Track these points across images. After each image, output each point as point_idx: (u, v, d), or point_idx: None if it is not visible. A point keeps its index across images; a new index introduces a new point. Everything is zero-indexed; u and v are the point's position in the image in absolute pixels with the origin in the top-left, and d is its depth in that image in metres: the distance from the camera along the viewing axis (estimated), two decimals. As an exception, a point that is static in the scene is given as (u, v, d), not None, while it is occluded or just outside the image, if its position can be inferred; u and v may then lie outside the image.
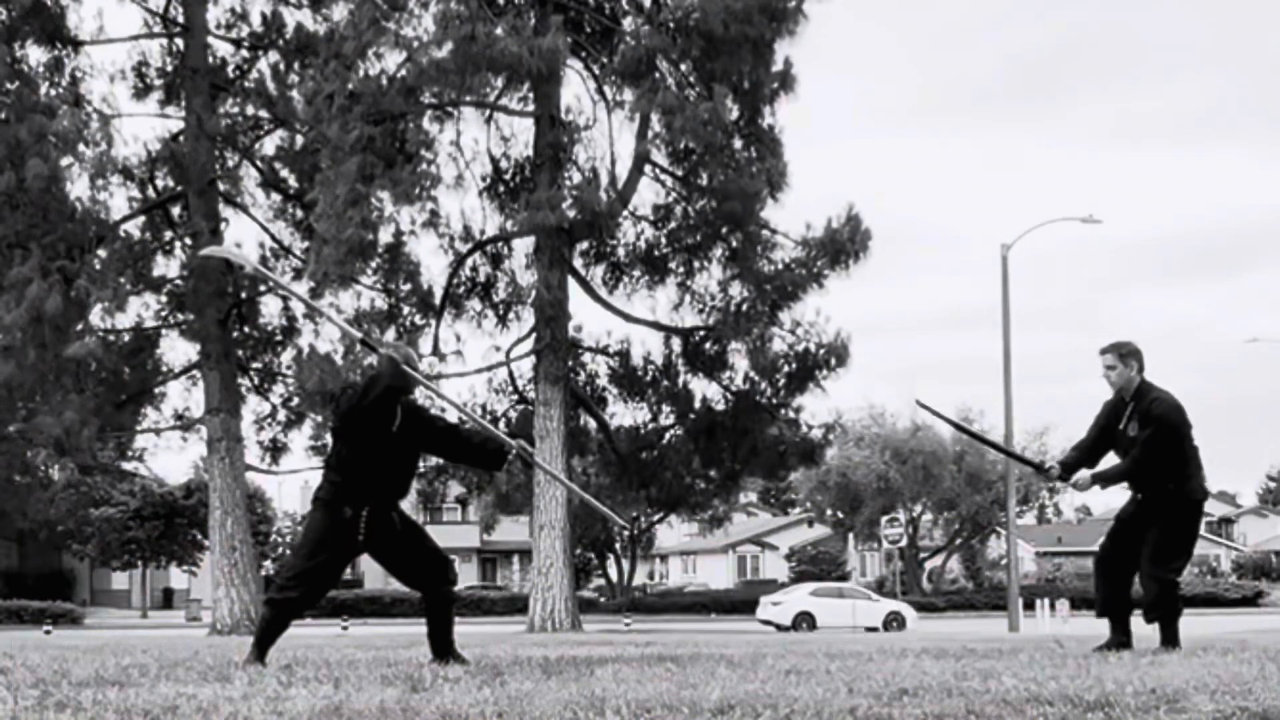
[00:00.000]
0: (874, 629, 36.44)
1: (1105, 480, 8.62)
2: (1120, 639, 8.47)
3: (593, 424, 30.40)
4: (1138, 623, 8.65)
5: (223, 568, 28.29)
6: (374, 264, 26.26)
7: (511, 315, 29.03)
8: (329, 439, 7.70)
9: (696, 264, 28.55)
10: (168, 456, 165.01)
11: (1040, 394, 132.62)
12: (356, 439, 7.19)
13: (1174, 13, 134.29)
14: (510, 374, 29.87)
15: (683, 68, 26.08)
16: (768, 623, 38.48)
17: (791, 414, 29.30)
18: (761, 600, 42.06)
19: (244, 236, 58.16)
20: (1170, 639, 8.44)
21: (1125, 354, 8.48)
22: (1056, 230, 55.62)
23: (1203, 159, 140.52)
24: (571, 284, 27.83)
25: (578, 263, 28.43)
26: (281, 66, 28.43)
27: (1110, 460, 8.69)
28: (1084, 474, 8.70)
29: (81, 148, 26.03)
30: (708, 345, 28.87)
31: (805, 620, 38.33)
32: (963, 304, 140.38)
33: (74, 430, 25.70)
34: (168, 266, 29.29)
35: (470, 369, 28.41)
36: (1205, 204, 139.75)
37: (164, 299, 29.20)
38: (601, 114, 27.78)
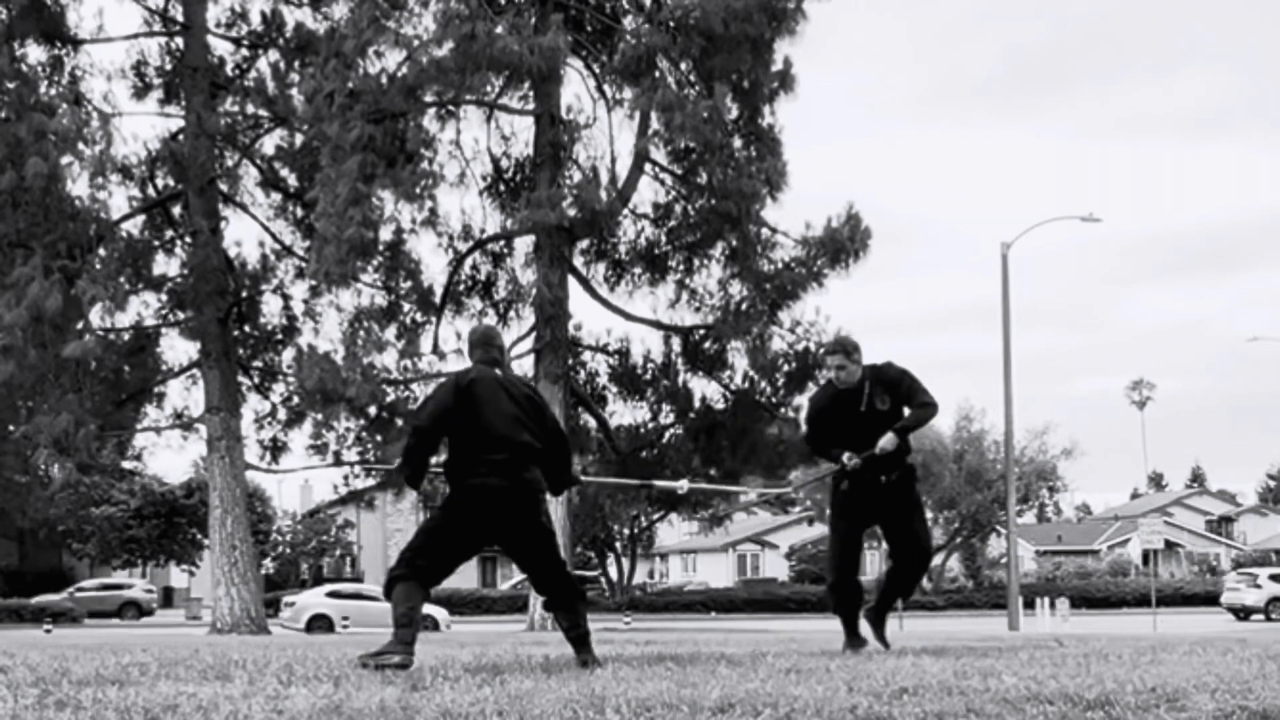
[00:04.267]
0: None
1: (906, 430, 8.51)
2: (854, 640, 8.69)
3: (593, 423, 30.39)
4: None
5: (223, 567, 28.28)
6: (375, 262, 26.25)
7: (512, 314, 29.04)
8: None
9: (696, 263, 28.55)
10: (168, 455, 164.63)
11: (1041, 392, 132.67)
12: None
13: (1176, 10, 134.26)
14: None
15: (682, 66, 26.07)
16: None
17: (791, 413, 29.28)
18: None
19: (244, 235, 58.29)
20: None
21: (852, 350, 8.58)
22: (1057, 229, 55.70)
23: (1204, 157, 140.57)
24: (571, 282, 27.83)
25: (578, 261, 28.43)
26: (281, 65, 28.41)
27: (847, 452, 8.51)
28: (878, 448, 8.37)
29: (81, 146, 26.01)
30: (707, 344, 28.86)
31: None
32: (963, 302, 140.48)
33: (72, 430, 25.69)
34: (168, 265, 29.29)
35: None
36: (1206, 202, 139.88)
37: (164, 298, 29.18)
38: (601, 112, 27.81)
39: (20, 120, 25.61)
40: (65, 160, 25.87)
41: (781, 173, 26.48)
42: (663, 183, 28.33)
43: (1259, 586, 41.26)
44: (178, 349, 29.93)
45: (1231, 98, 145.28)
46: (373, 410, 26.40)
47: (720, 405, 29.36)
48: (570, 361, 28.58)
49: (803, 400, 29.02)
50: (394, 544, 69.49)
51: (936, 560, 61.10)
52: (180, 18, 28.87)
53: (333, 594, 37.69)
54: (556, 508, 26.77)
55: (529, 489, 6.98)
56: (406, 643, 6.70)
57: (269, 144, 29.32)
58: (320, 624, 34.74)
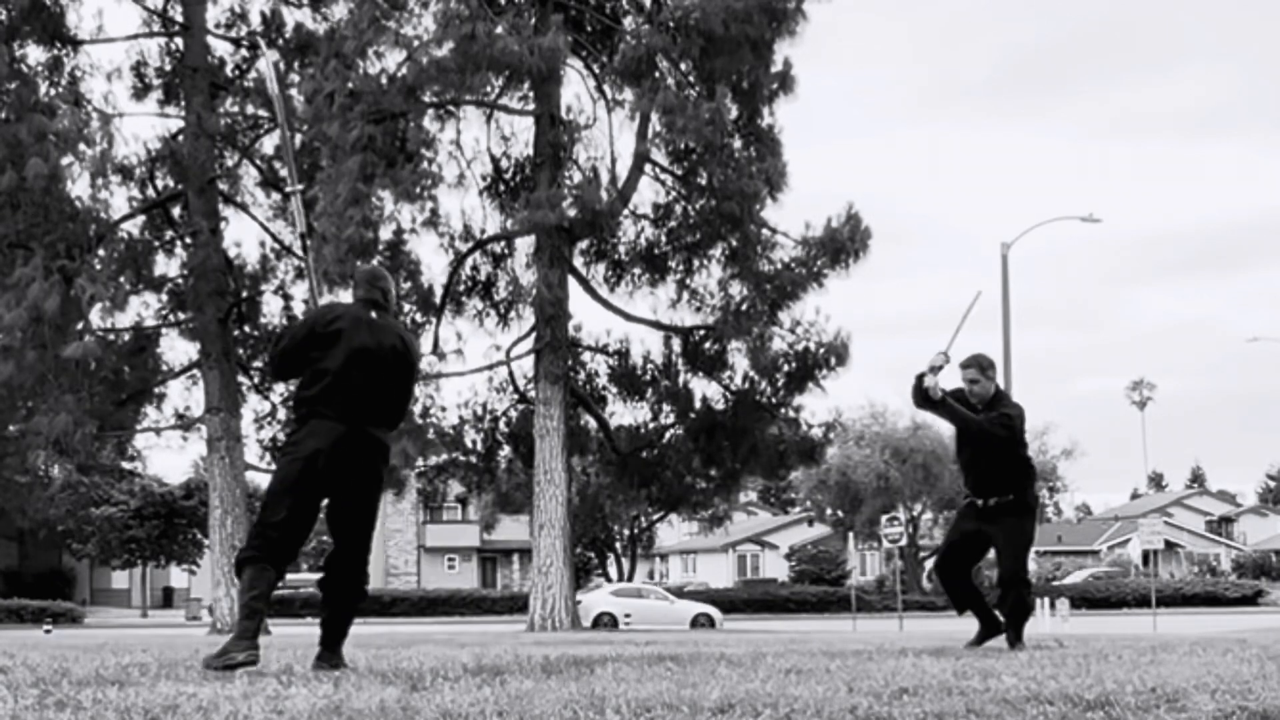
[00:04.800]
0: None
1: (953, 401, 8.76)
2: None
3: (593, 423, 30.40)
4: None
5: (223, 567, 28.30)
6: (375, 262, 26.26)
7: (512, 314, 29.05)
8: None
9: (696, 263, 28.55)
10: (168, 456, 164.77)
11: (1041, 392, 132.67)
12: None
13: (1176, 10, 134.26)
14: (510, 373, 29.91)
15: (683, 67, 26.07)
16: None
17: (791, 413, 29.29)
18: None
19: (244, 235, 58.28)
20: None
21: (986, 366, 8.85)
22: (1057, 229, 55.70)
23: (1204, 157, 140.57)
24: (571, 283, 27.84)
25: (578, 262, 28.43)
26: (281, 65, 28.43)
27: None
28: (937, 385, 8.76)
29: (82, 147, 26.03)
30: (707, 344, 28.86)
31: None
32: (963, 302, 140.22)
33: (69, 431, 25.70)
34: (168, 266, 29.31)
35: (470, 368, 28.44)
36: (1206, 202, 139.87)
37: (164, 298, 29.20)
38: (602, 113, 27.82)
39: (20, 121, 25.63)
40: (65, 161, 25.89)
41: (782, 173, 26.49)
42: (663, 183, 28.34)
43: None
44: (178, 349, 29.92)
45: (1231, 98, 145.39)
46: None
47: (720, 405, 29.37)
48: (570, 362, 28.59)
49: (803, 400, 29.12)
50: (393, 544, 69.49)
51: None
52: (180, 18, 28.88)
53: (616, 593, 40.48)
54: (557, 508, 26.80)
55: (371, 442, 6.46)
56: (249, 637, 6.22)
57: (269, 144, 29.36)
58: (605, 621, 37.01)
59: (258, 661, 6.32)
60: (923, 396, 8.76)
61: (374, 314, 6.69)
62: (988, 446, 8.74)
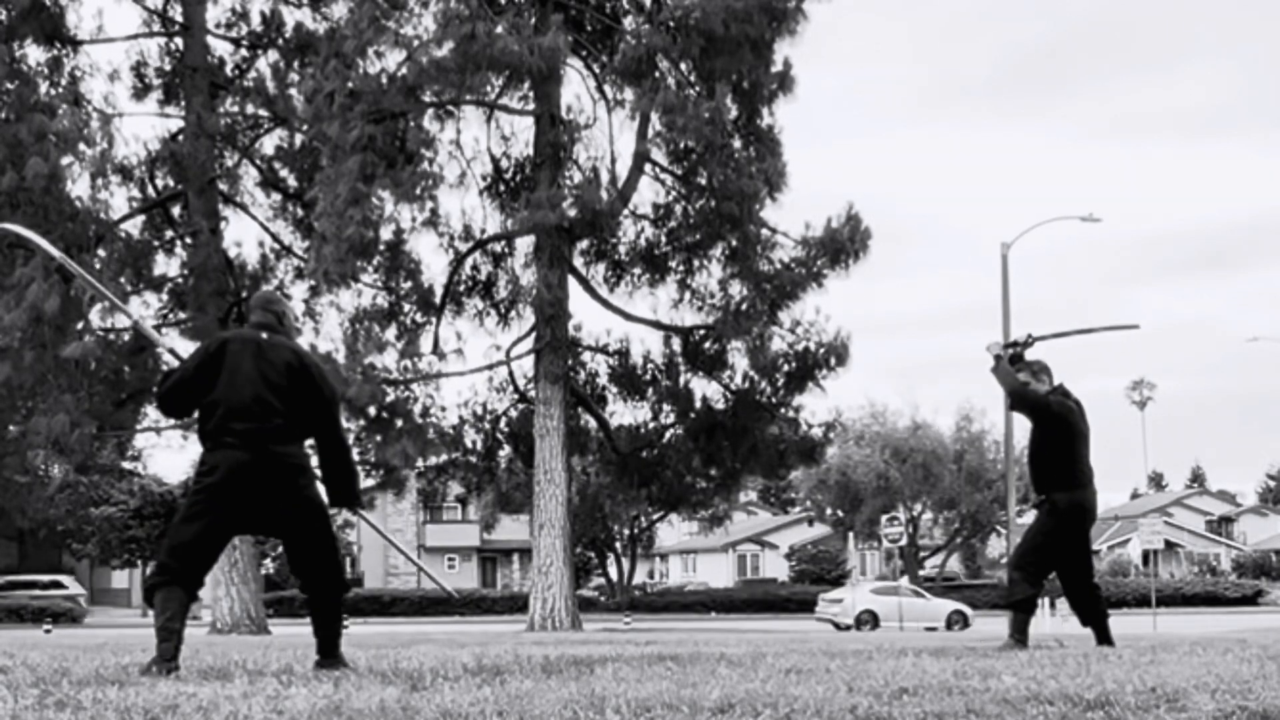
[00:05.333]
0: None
1: (1001, 363, 9.29)
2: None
3: (593, 423, 30.40)
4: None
5: (223, 567, 28.28)
6: (375, 262, 26.26)
7: (512, 314, 29.04)
8: None
9: (696, 263, 28.54)
10: (167, 456, 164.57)
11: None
12: None
13: (1176, 10, 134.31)
14: (510, 373, 29.91)
15: (683, 67, 26.06)
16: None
17: (791, 413, 29.29)
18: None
19: (244, 235, 58.24)
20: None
21: (1038, 370, 9.30)
22: (1057, 228, 55.65)
23: (1204, 157, 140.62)
24: (572, 283, 27.83)
25: (578, 261, 28.43)
26: (281, 65, 28.43)
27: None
28: (1001, 349, 9.39)
29: (81, 147, 26.03)
30: (707, 344, 28.86)
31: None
32: (963, 302, 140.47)
33: (68, 431, 25.69)
34: (168, 266, 29.31)
35: (470, 368, 28.44)
36: (1206, 202, 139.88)
37: (164, 298, 29.20)
38: (602, 113, 27.81)
39: (20, 121, 25.63)
40: (65, 161, 25.88)
41: (781, 173, 26.48)
42: (663, 183, 28.33)
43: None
44: (178, 349, 29.89)
45: (1231, 98, 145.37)
46: (372, 410, 26.39)
47: (720, 405, 29.37)
48: (570, 362, 28.58)
49: (803, 400, 29.15)
50: (394, 544, 69.38)
51: (936, 560, 61.14)
52: (180, 18, 28.87)
53: (876, 590, 41.52)
54: (557, 508, 26.80)
55: (278, 462, 6.38)
56: (168, 659, 6.24)
57: (269, 144, 29.37)
58: (867, 618, 38.63)
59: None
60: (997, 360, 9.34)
61: (265, 335, 6.68)
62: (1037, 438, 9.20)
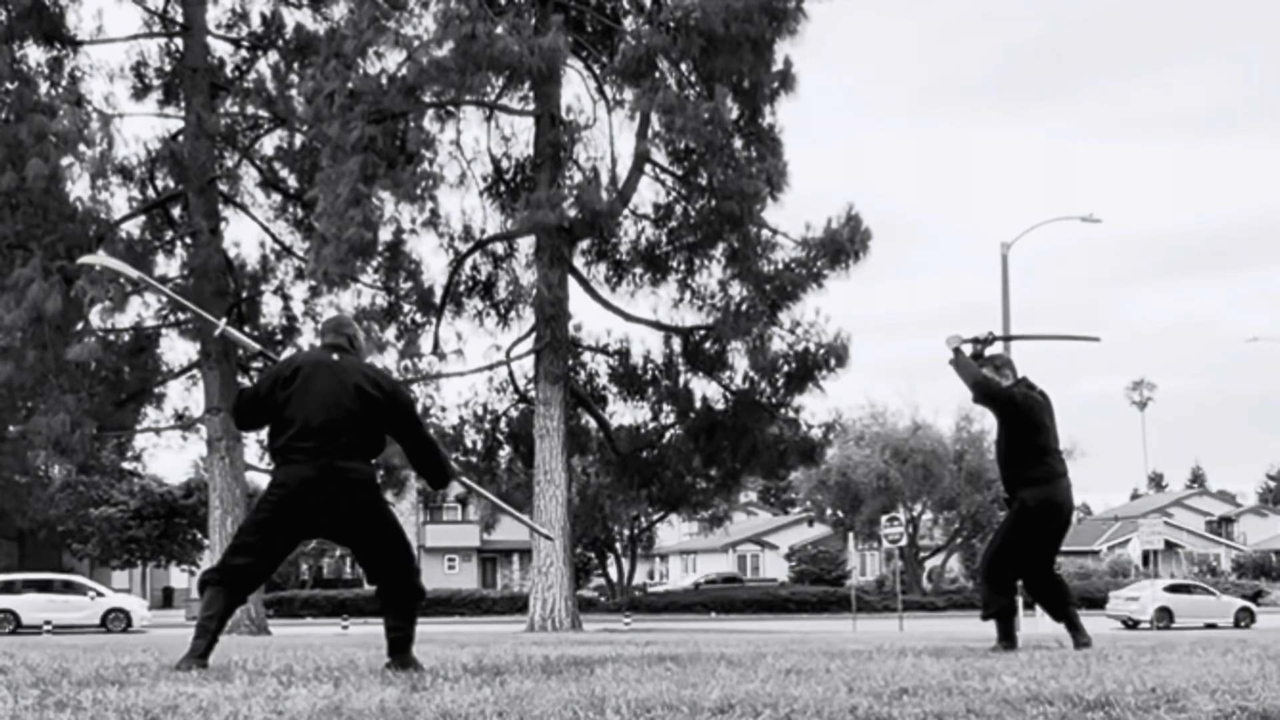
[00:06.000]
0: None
1: (964, 364, 9.16)
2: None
3: (593, 423, 30.41)
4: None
5: (223, 567, 28.26)
6: (375, 263, 26.27)
7: (512, 314, 29.06)
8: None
9: (697, 263, 28.56)
10: (167, 456, 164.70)
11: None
12: None
13: (1176, 10, 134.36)
14: (510, 373, 29.92)
15: (683, 67, 26.07)
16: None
17: (791, 413, 29.30)
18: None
19: (244, 236, 58.19)
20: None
21: (1000, 365, 9.26)
22: (1057, 229, 55.71)
23: (1204, 157, 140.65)
24: (572, 283, 27.84)
25: (578, 262, 28.44)
26: (281, 66, 28.42)
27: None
28: (961, 343, 9.23)
29: (81, 147, 26.00)
30: (708, 344, 28.87)
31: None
32: (963, 302, 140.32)
33: (69, 431, 25.68)
34: (168, 266, 29.28)
35: (471, 368, 28.45)
36: (1206, 202, 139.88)
37: (164, 299, 29.17)
38: (602, 113, 27.83)
39: (20, 121, 25.61)
40: (65, 161, 25.87)
41: (782, 173, 26.49)
42: (663, 183, 28.34)
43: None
44: (178, 350, 29.83)
45: (1232, 98, 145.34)
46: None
47: (720, 405, 29.38)
48: (570, 362, 28.59)
49: (802, 400, 29.18)
50: (394, 544, 69.34)
51: (936, 560, 61.12)
52: (180, 19, 28.87)
53: (1169, 589, 42.44)
54: (557, 508, 26.80)
55: (341, 476, 6.59)
56: (199, 655, 6.51)
57: (269, 144, 29.36)
58: (1163, 615, 39.39)
59: None
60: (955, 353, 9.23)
61: (336, 356, 6.90)
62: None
